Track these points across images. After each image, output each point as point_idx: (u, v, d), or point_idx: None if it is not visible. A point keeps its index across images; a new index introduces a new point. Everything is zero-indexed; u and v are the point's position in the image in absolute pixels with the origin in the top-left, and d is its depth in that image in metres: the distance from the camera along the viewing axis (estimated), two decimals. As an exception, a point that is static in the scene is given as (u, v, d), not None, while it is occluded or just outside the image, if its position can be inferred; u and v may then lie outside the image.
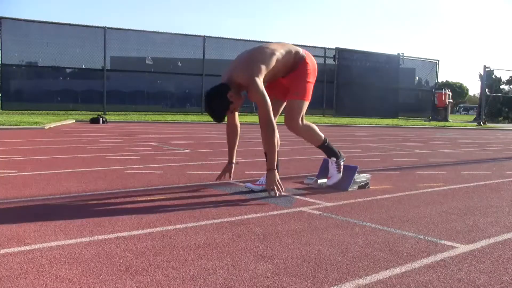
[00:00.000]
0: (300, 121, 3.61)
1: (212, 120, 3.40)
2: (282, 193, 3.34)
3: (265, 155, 3.44)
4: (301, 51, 3.60)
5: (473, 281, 1.90)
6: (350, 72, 22.85)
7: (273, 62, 3.40)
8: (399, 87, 24.31)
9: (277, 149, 3.39)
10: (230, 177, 3.70)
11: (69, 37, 16.83)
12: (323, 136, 3.76)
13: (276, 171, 3.33)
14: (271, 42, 3.60)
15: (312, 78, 3.63)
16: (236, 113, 3.65)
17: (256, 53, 3.42)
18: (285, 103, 3.71)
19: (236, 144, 3.77)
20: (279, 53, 3.44)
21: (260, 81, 3.30)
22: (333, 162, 3.82)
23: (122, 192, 3.46)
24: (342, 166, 3.84)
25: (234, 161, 3.75)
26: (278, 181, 3.30)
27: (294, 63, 3.53)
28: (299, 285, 1.80)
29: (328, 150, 3.82)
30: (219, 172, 3.82)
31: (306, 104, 3.62)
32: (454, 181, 4.44)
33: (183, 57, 19.56)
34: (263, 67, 3.34)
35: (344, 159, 3.91)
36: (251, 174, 4.32)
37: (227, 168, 3.74)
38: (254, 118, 14.50)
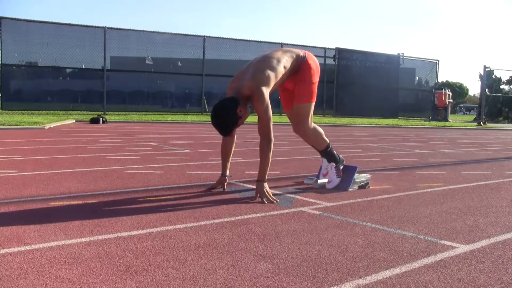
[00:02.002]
0: (308, 124, 3.62)
1: (219, 133, 3.37)
2: (275, 202, 3.23)
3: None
4: (301, 52, 3.60)
5: (473, 281, 1.90)
6: (350, 72, 22.82)
7: (281, 70, 3.40)
8: (399, 87, 24.30)
9: (270, 161, 3.35)
10: (224, 189, 3.60)
11: (69, 37, 16.81)
12: (327, 141, 3.77)
13: (265, 183, 3.30)
14: (273, 50, 3.60)
15: (316, 78, 3.65)
16: None
17: (263, 63, 3.40)
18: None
19: (231, 156, 3.68)
20: (285, 60, 3.45)
21: (266, 92, 3.28)
22: (333, 167, 3.83)
23: (122, 192, 3.46)
24: (341, 170, 3.84)
25: (227, 173, 3.65)
26: (268, 192, 3.27)
27: (297, 66, 3.55)
28: (299, 285, 1.80)
29: (330, 155, 3.82)
30: (219, 173, 3.81)
31: (312, 105, 3.65)
32: (454, 181, 4.44)
33: (183, 57, 19.54)
34: (272, 77, 3.33)
35: (344, 162, 3.91)
36: (251, 174, 4.32)
37: (221, 180, 3.63)
38: (254, 118, 14.42)
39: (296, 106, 3.63)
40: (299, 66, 3.56)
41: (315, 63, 3.65)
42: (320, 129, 3.78)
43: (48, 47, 16.57)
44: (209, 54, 19.34)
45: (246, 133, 8.80)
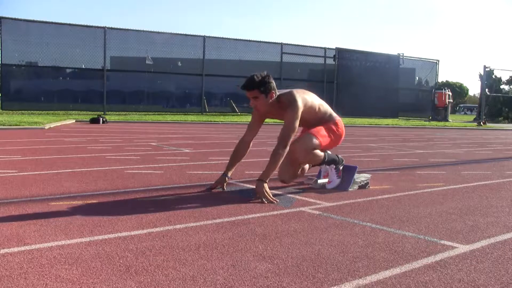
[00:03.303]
0: (305, 148, 3.62)
1: (244, 83, 3.44)
2: (274, 202, 3.24)
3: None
4: (335, 114, 3.90)
5: (473, 281, 1.90)
6: (350, 72, 22.83)
7: (314, 104, 3.69)
8: (399, 87, 24.29)
9: (278, 166, 3.45)
10: (223, 189, 3.62)
11: (69, 37, 16.81)
12: (322, 154, 3.75)
13: (265, 184, 3.30)
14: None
15: (334, 136, 3.80)
16: (253, 135, 3.74)
17: (305, 90, 3.71)
18: None
19: (239, 161, 3.73)
20: (321, 103, 3.78)
21: (301, 106, 3.48)
22: (333, 168, 3.83)
23: (122, 192, 3.46)
24: (341, 170, 3.84)
25: (229, 174, 3.67)
26: (267, 191, 3.28)
27: (325, 121, 3.78)
28: (299, 285, 1.80)
29: (328, 161, 3.82)
30: (219, 173, 3.81)
31: (317, 145, 3.67)
32: (454, 181, 4.44)
33: (183, 57, 19.54)
34: (308, 102, 3.60)
35: (344, 162, 3.92)
36: (251, 174, 4.32)
37: (221, 180, 3.64)
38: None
39: (304, 134, 3.73)
40: (327, 121, 3.79)
41: (342, 127, 3.90)
42: (315, 150, 3.71)
43: (48, 47, 16.57)
44: (209, 54, 19.33)
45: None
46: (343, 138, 3.93)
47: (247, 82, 3.43)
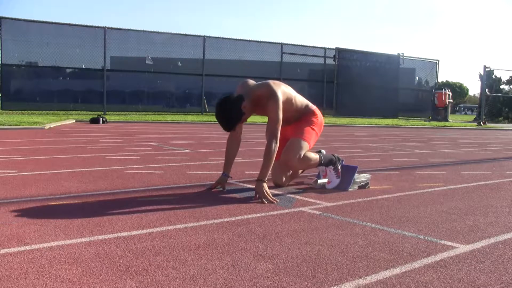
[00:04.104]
0: (298, 156, 3.62)
1: (222, 127, 3.45)
2: (274, 202, 3.23)
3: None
4: (311, 104, 3.92)
5: (473, 281, 1.90)
6: (350, 72, 22.84)
7: (291, 95, 3.68)
8: (399, 87, 24.29)
9: (273, 162, 3.42)
10: (224, 188, 3.62)
11: (69, 37, 16.80)
12: (317, 157, 3.76)
13: (264, 183, 3.30)
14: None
15: (317, 128, 3.83)
16: (241, 125, 3.70)
17: (280, 82, 3.69)
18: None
19: (235, 157, 3.74)
20: (296, 95, 3.76)
21: (280, 97, 3.47)
22: (331, 169, 3.83)
23: (122, 192, 3.46)
24: (340, 170, 3.84)
25: (229, 173, 3.67)
26: (267, 191, 3.27)
27: (303, 113, 3.80)
28: (299, 285, 1.80)
29: (326, 163, 3.82)
30: (219, 173, 3.81)
31: (306, 146, 3.68)
32: (454, 181, 4.44)
33: (183, 57, 19.54)
34: (286, 93, 3.61)
35: (343, 161, 3.91)
36: (251, 174, 4.32)
37: (221, 180, 3.64)
38: (254, 118, 14.45)
39: (291, 140, 3.70)
40: (305, 113, 3.81)
41: (320, 117, 3.92)
42: (308, 153, 3.71)
43: (48, 47, 16.57)
44: (209, 54, 19.33)
45: (246, 133, 8.78)
46: (323, 126, 3.97)
47: (224, 127, 3.43)
